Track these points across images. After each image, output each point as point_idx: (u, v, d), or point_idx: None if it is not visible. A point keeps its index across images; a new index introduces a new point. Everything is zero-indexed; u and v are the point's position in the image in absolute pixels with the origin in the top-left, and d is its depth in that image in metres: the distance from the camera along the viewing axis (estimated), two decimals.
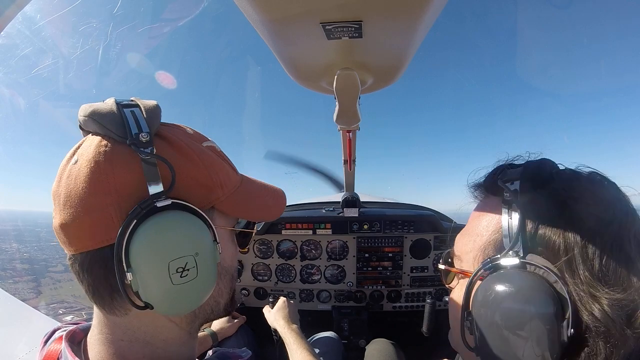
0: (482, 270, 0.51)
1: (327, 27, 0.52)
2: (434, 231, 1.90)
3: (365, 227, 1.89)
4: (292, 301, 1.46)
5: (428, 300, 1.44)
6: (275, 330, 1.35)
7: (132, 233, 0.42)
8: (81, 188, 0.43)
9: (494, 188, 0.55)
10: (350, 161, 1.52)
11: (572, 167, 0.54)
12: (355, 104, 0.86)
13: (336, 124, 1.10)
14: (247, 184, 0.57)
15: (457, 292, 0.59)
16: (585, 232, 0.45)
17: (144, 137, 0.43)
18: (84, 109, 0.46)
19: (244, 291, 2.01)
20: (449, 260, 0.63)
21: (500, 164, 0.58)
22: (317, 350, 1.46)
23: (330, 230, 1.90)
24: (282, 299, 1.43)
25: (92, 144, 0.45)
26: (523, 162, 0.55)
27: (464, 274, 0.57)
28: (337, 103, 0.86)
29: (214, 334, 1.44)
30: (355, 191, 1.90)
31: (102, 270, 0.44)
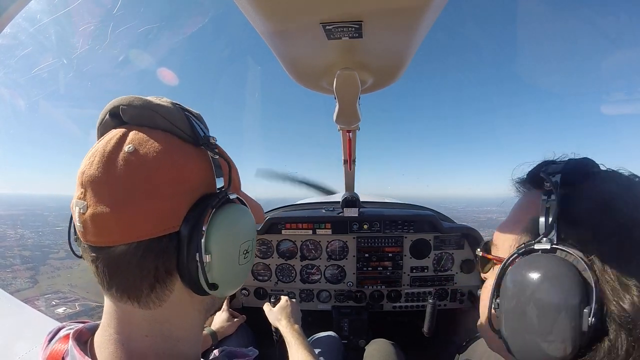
0: (515, 255, 0.52)
1: (327, 27, 0.52)
2: (433, 231, 1.90)
3: (365, 227, 1.89)
4: (294, 300, 1.46)
5: (430, 301, 1.43)
6: (276, 330, 1.35)
7: (211, 220, 0.46)
8: (151, 175, 0.43)
9: (537, 181, 0.57)
10: (350, 161, 1.52)
11: (613, 168, 0.56)
12: (355, 104, 0.86)
13: (336, 124, 1.10)
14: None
15: (491, 279, 0.60)
16: (620, 227, 0.46)
17: (214, 140, 0.50)
18: (145, 101, 0.47)
19: (244, 291, 2.01)
20: (488, 249, 0.64)
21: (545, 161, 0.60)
22: (317, 350, 1.46)
23: (330, 230, 1.90)
24: (284, 298, 1.43)
25: (154, 136, 0.46)
26: (566, 160, 0.57)
27: (498, 260, 0.59)
28: (337, 103, 0.87)
29: (213, 333, 1.44)
30: (355, 191, 1.90)
31: (155, 259, 0.44)
